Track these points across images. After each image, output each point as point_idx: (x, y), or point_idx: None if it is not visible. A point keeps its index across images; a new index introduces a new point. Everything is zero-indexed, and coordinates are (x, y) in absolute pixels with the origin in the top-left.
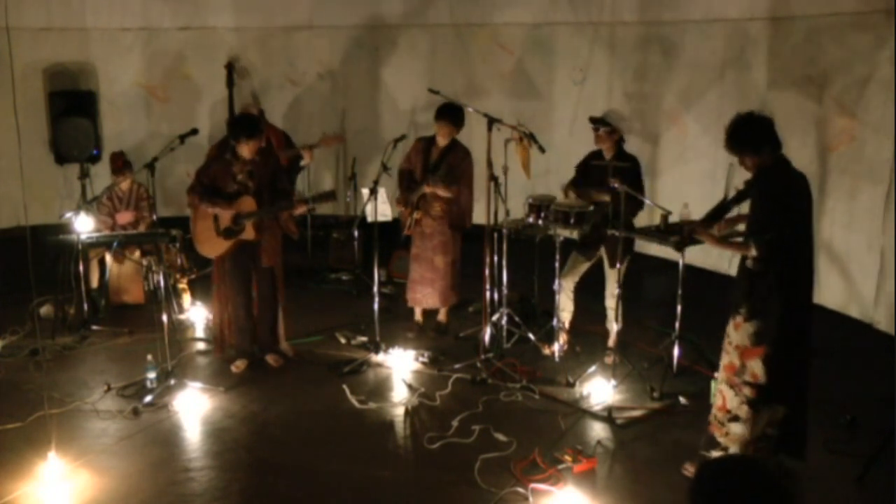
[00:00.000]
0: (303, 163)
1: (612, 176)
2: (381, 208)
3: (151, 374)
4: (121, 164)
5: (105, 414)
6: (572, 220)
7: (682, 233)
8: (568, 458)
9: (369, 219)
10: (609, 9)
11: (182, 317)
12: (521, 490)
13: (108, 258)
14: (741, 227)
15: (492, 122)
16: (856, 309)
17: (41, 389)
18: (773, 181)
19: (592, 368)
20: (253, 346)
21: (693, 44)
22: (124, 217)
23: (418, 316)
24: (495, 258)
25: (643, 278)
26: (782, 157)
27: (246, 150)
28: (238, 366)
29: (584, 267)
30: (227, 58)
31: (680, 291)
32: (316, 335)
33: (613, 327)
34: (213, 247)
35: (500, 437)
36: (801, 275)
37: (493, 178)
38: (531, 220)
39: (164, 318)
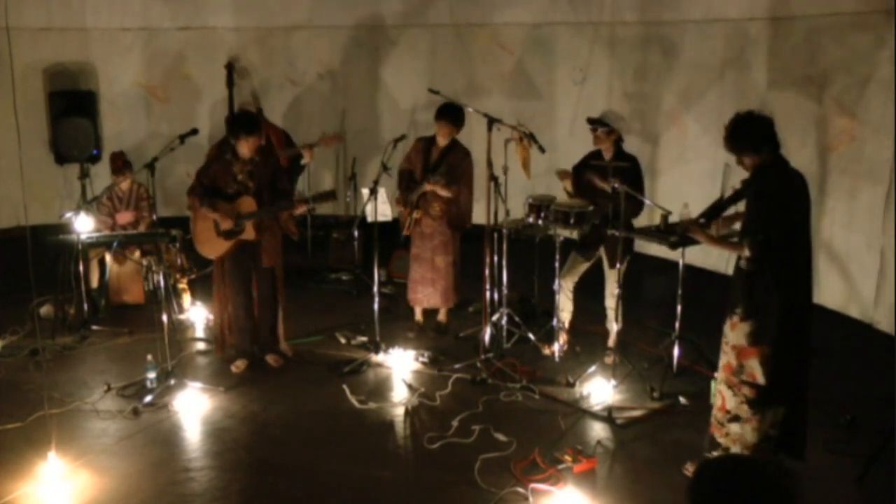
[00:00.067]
0: (303, 161)
1: (611, 176)
2: (381, 208)
3: (151, 374)
4: (121, 164)
5: (105, 414)
6: (572, 220)
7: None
8: (568, 458)
9: (369, 219)
10: (609, 9)
11: (182, 317)
12: (521, 490)
13: (108, 258)
14: (739, 225)
15: (492, 122)
16: (856, 309)
17: (41, 389)
18: (771, 180)
19: (592, 368)
20: (253, 346)
21: (693, 44)
22: (124, 217)
23: (418, 316)
24: (495, 258)
25: (643, 278)
26: (780, 156)
27: (245, 147)
28: (238, 366)
29: (584, 267)
30: (226, 58)
31: (680, 291)
32: (316, 335)
33: (613, 327)
34: (213, 247)
35: (500, 437)
36: (799, 275)
37: (493, 178)
38: (531, 220)
39: (164, 318)
